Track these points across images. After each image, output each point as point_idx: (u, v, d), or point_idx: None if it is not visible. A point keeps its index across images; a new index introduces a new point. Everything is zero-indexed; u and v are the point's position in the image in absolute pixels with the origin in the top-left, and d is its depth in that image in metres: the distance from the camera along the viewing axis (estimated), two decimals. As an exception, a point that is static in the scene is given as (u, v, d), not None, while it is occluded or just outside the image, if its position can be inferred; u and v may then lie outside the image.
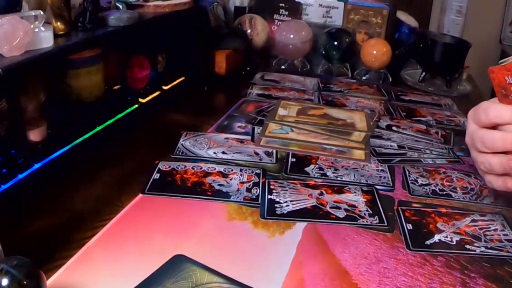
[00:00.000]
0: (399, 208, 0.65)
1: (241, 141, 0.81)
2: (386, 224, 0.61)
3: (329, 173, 0.72)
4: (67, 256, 0.52)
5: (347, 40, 1.19)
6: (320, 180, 0.70)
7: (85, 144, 0.75)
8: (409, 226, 0.61)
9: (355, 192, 0.68)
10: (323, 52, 1.20)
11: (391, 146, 0.83)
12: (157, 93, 0.95)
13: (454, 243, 0.58)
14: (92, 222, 0.58)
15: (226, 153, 0.76)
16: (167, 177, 0.68)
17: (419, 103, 1.06)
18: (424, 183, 0.72)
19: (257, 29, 1.21)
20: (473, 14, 1.62)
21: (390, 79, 1.19)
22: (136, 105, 0.89)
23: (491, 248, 0.58)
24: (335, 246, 0.57)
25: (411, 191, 0.69)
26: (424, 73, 1.18)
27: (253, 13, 1.27)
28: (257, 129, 0.85)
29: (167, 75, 0.99)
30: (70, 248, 0.53)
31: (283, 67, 1.24)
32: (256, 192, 0.66)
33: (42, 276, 0.40)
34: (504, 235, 0.60)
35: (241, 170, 0.71)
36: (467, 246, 0.58)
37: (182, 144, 0.78)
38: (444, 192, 0.69)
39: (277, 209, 0.63)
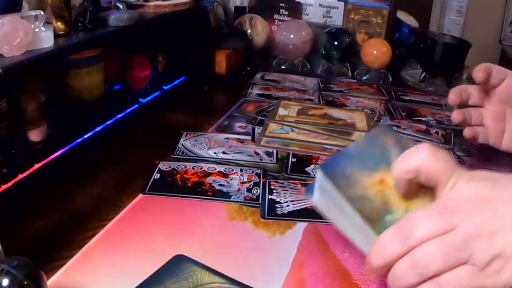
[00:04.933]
0: (400, 208, 0.65)
1: (242, 141, 0.81)
2: (386, 224, 0.61)
3: (330, 173, 0.72)
4: (67, 256, 0.52)
5: (347, 40, 1.18)
6: (321, 180, 0.70)
7: (85, 144, 0.75)
8: (410, 226, 0.61)
9: (355, 192, 0.67)
10: (323, 52, 1.20)
11: (391, 146, 0.83)
12: (157, 93, 0.95)
13: (455, 243, 0.58)
14: (93, 222, 0.58)
15: (226, 153, 0.76)
16: (168, 177, 0.68)
17: (419, 103, 1.06)
18: (424, 183, 0.71)
19: (257, 29, 1.21)
20: (473, 14, 1.62)
21: (390, 79, 1.19)
22: (136, 105, 0.89)
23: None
24: (335, 246, 0.56)
25: (411, 191, 0.69)
26: (424, 73, 1.18)
27: (253, 13, 1.27)
28: (258, 129, 0.85)
29: (167, 75, 0.99)
30: (70, 248, 0.53)
31: (283, 67, 1.24)
32: (257, 192, 0.66)
33: (42, 276, 0.40)
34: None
35: (241, 170, 0.71)
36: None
37: (182, 144, 0.78)
38: (445, 192, 0.69)
39: (277, 209, 0.63)
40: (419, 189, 0.44)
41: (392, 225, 0.42)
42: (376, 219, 0.43)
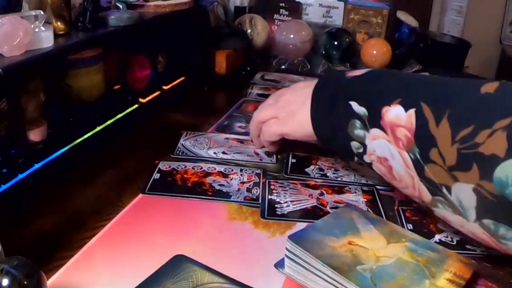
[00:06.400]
0: (400, 208, 0.65)
1: (242, 141, 0.81)
2: (386, 224, 0.61)
3: (330, 174, 0.72)
4: (67, 256, 0.52)
5: (347, 40, 1.18)
6: (320, 181, 0.70)
7: (85, 144, 0.75)
8: (410, 226, 0.61)
9: (355, 192, 0.68)
10: (323, 52, 1.20)
11: (391, 146, 0.83)
12: (157, 93, 0.95)
13: (455, 243, 0.58)
14: (93, 222, 0.58)
15: (226, 153, 0.76)
16: (168, 177, 0.68)
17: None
18: (424, 183, 0.71)
19: (257, 29, 1.21)
20: (473, 14, 1.62)
21: (390, 79, 1.19)
22: (136, 105, 0.89)
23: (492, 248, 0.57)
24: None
25: (411, 191, 0.69)
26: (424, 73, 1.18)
27: (253, 13, 1.27)
28: (257, 129, 0.85)
29: (167, 75, 0.98)
30: (70, 248, 0.53)
31: (283, 67, 1.24)
32: (257, 192, 0.66)
33: (42, 276, 0.40)
34: (505, 235, 0.60)
35: (241, 170, 0.71)
36: (468, 246, 0.58)
37: (182, 144, 0.78)
38: (445, 192, 0.69)
39: (277, 209, 0.63)
40: (388, 243, 0.51)
41: (364, 274, 0.46)
42: (348, 270, 0.46)
